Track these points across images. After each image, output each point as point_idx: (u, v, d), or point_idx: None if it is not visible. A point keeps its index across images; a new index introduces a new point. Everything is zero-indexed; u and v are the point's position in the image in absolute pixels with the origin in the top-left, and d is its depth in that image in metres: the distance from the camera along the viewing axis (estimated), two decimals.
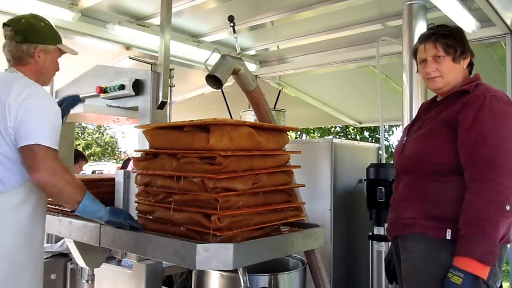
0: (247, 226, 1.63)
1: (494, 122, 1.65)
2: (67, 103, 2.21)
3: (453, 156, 1.69)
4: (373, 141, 14.55)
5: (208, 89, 5.63)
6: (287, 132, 1.95)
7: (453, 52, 1.80)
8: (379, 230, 2.84)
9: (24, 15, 1.99)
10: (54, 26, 2.05)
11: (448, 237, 1.65)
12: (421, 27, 3.07)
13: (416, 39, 2.02)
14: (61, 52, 2.03)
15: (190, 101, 5.81)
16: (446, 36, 1.81)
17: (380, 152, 3.37)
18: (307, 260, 2.39)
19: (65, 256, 2.86)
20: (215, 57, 2.25)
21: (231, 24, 2.62)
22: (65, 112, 2.17)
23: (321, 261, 2.38)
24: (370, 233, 2.90)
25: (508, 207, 1.55)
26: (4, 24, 1.91)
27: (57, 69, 2.06)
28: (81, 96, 2.62)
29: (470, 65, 1.89)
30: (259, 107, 2.28)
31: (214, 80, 2.13)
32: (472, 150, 1.64)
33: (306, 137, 16.02)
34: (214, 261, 1.51)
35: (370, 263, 2.90)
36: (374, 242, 2.88)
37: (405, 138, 1.93)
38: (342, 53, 4.42)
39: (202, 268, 1.71)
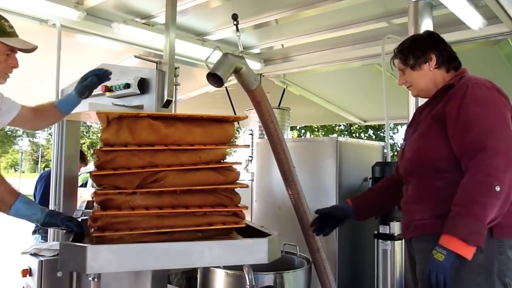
0: (138, 228, 1.48)
1: (478, 107, 1.67)
2: (92, 77, 2.12)
3: (448, 150, 1.71)
4: (378, 139, 14.52)
5: (213, 87, 5.62)
6: (233, 124, 1.64)
7: (410, 62, 1.90)
8: (384, 229, 2.83)
9: None
10: (5, 18, 1.88)
11: None
12: (426, 25, 3.05)
13: None
14: (10, 47, 1.86)
15: (194, 99, 5.82)
16: (401, 51, 1.94)
17: (386, 150, 3.35)
18: (312, 259, 2.38)
19: None
20: (217, 56, 2.25)
21: (235, 23, 2.61)
22: (90, 87, 2.12)
23: (326, 259, 2.38)
24: (376, 232, 2.90)
25: (498, 188, 1.54)
26: None
27: (12, 66, 1.91)
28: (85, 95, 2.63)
29: (451, 62, 1.90)
30: (261, 106, 2.27)
31: (215, 78, 2.13)
32: (461, 139, 1.67)
33: (309, 135, 16.00)
34: (72, 262, 1.39)
35: (375, 262, 2.90)
36: (380, 240, 2.87)
37: (404, 143, 1.98)
38: (347, 51, 4.41)
39: (61, 269, 1.61)
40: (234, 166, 1.67)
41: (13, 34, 1.88)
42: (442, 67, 1.89)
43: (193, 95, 5.72)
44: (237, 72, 2.09)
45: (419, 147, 1.83)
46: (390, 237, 2.82)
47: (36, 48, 1.93)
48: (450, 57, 1.90)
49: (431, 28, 3.03)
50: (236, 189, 1.66)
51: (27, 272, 2.82)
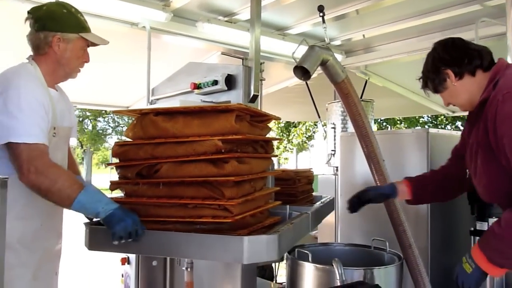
0: (140, 216, 1.54)
1: (507, 128, 1.52)
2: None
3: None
4: None
5: (293, 82, 5.64)
6: (231, 113, 1.50)
7: (431, 89, 1.82)
8: (482, 226, 2.65)
9: (48, 2, 1.84)
10: (81, 13, 1.87)
11: None
12: None
13: None
14: (88, 42, 1.86)
15: (274, 94, 5.86)
16: (421, 80, 1.86)
17: None
18: (404, 255, 2.30)
19: None
20: (301, 49, 2.24)
21: (321, 14, 2.58)
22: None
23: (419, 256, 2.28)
24: (472, 228, 2.72)
25: None
26: (28, 12, 1.80)
27: (85, 60, 1.90)
28: (176, 93, 2.77)
29: (471, 63, 1.71)
30: (348, 98, 2.22)
31: (302, 71, 2.12)
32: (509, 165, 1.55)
33: (390, 128, 15.43)
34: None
35: None
36: (477, 238, 2.69)
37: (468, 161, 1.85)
38: (434, 38, 4.14)
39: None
40: (273, 158, 1.70)
41: (89, 29, 1.88)
42: (465, 75, 1.72)
43: (272, 90, 5.76)
44: (323, 64, 2.06)
45: (485, 184, 1.72)
46: None
47: (108, 43, 1.93)
48: (468, 60, 1.71)
49: None
50: (233, 183, 1.51)
51: (125, 261, 3.03)
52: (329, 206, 2.74)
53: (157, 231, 1.52)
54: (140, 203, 1.58)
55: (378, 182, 2.23)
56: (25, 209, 1.72)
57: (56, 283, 1.97)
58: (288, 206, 2.23)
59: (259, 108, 2.42)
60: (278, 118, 1.90)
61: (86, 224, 1.65)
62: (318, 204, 2.52)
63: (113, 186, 1.64)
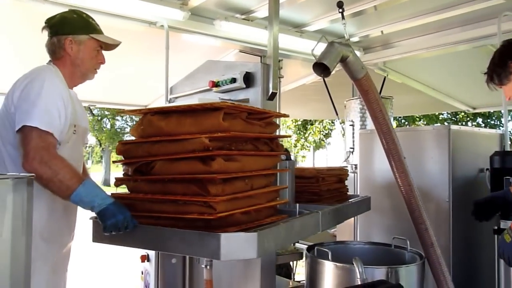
0: (137, 211, 1.63)
1: None
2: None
3: None
4: (488, 128, 13.37)
5: (310, 79, 5.60)
6: (219, 111, 1.51)
7: (496, 81, 1.99)
8: (506, 224, 2.59)
9: (62, 11, 1.98)
10: (92, 18, 1.97)
11: None
12: None
13: None
14: (100, 43, 1.96)
15: (291, 92, 5.83)
16: (486, 74, 2.03)
17: (505, 139, 3.08)
18: (425, 254, 2.26)
19: None
20: (320, 46, 2.22)
21: (340, 10, 2.56)
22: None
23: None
24: (496, 227, 2.67)
25: None
26: (44, 22, 1.93)
27: (101, 61, 1.99)
28: (194, 91, 2.77)
29: None
30: (369, 95, 2.20)
31: (321, 68, 2.10)
32: None
33: (408, 126, 15.25)
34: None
35: (496, 260, 2.67)
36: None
37: None
38: (454, 33, 4.11)
39: None
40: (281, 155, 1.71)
41: (101, 31, 1.98)
42: None
43: (289, 88, 5.73)
44: (343, 60, 2.04)
45: None
46: None
47: (120, 43, 2.01)
48: None
49: None
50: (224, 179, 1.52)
51: (145, 258, 3.06)
52: (360, 205, 2.69)
53: (145, 225, 1.59)
54: (137, 199, 1.65)
55: (399, 179, 2.20)
56: (48, 203, 1.78)
57: (65, 280, 2.02)
58: (297, 205, 2.21)
59: (277, 106, 2.42)
60: (283, 115, 1.88)
61: (92, 218, 1.72)
62: (340, 204, 2.47)
63: (117, 182, 1.73)
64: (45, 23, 1.92)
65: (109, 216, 1.56)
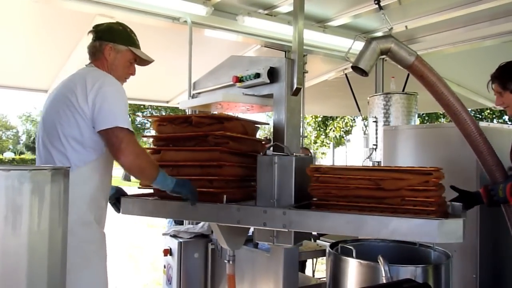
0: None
1: None
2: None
3: None
4: None
5: (332, 75, 5.56)
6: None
7: (510, 87, 2.14)
8: None
9: (110, 22, 2.20)
10: (135, 34, 2.18)
11: None
12: None
13: None
14: (135, 56, 2.14)
15: (312, 88, 5.79)
16: (499, 77, 2.17)
17: None
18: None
19: (205, 237, 3.07)
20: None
21: (376, 1, 2.59)
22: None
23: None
24: None
25: None
26: (92, 27, 2.13)
27: (131, 73, 2.19)
28: (217, 86, 2.77)
29: None
30: (425, 79, 2.16)
31: (360, 69, 2.09)
32: None
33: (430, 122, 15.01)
34: None
35: None
36: None
37: None
38: (482, 28, 4.01)
39: None
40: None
41: (139, 47, 2.18)
42: None
43: (311, 84, 5.70)
44: (385, 53, 2.01)
45: None
46: None
47: (152, 61, 2.22)
48: None
49: None
50: None
51: (168, 252, 3.09)
52: None
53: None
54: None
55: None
56: (97, 191, 1.97)
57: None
58: None
59: (301, 101, 2.40)
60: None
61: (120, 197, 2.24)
62: None
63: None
64: (93, 28, 2.12)
65: (181, 186, 2.00)
